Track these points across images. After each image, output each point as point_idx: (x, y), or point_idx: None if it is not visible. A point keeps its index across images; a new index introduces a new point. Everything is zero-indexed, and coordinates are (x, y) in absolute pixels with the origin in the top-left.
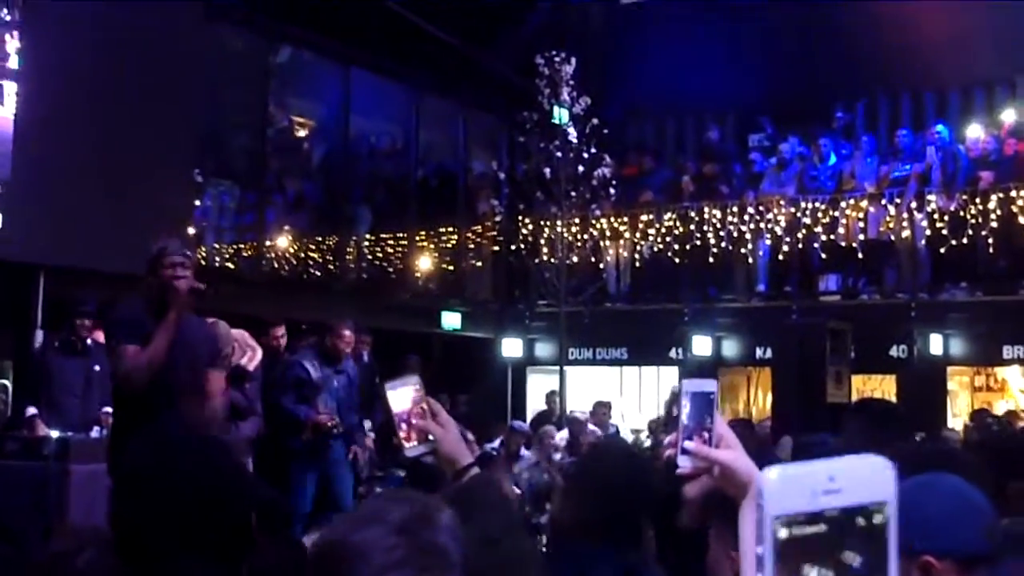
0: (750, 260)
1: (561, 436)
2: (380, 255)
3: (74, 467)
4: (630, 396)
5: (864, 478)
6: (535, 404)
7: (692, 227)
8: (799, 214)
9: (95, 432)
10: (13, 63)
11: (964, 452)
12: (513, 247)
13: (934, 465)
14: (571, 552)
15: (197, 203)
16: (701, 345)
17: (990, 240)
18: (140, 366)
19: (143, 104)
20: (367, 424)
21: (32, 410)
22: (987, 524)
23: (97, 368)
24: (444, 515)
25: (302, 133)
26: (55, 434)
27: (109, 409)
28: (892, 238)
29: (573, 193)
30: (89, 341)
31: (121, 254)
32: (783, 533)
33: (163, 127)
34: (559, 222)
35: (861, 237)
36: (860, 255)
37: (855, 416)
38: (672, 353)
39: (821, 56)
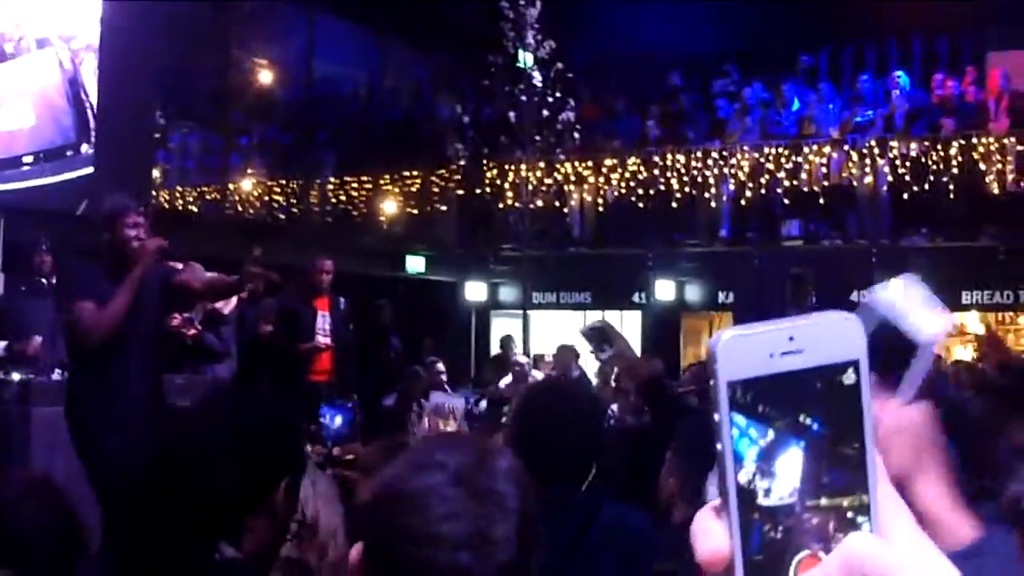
0: (713, 205)
1: (504, 382)
2: (344, 199)
3: (35, 410)
4: None
5: (829, 336)
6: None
7: (656, 172)
8: (762, 159)
9: (57, 375)
10: None
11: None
12: (478, 191)
13: None
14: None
15: (159, 146)
16: (664, 290)
17: (951, 186)
18: (100, 325)
19: (103, 44)
20: None
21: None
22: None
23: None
24: (502, 460)
25: (266, 77)
26: (16, 377)
27: None
28: (854, 184)
29: (538, 137)
30: (54, 280)
31: (83, 196)
32: (739, 399)
33: (124, 69)
34: (523, 166)
35: (824, 183)
36: (822, 201)
37: None
38: (635, 297)
39: (786, 3)
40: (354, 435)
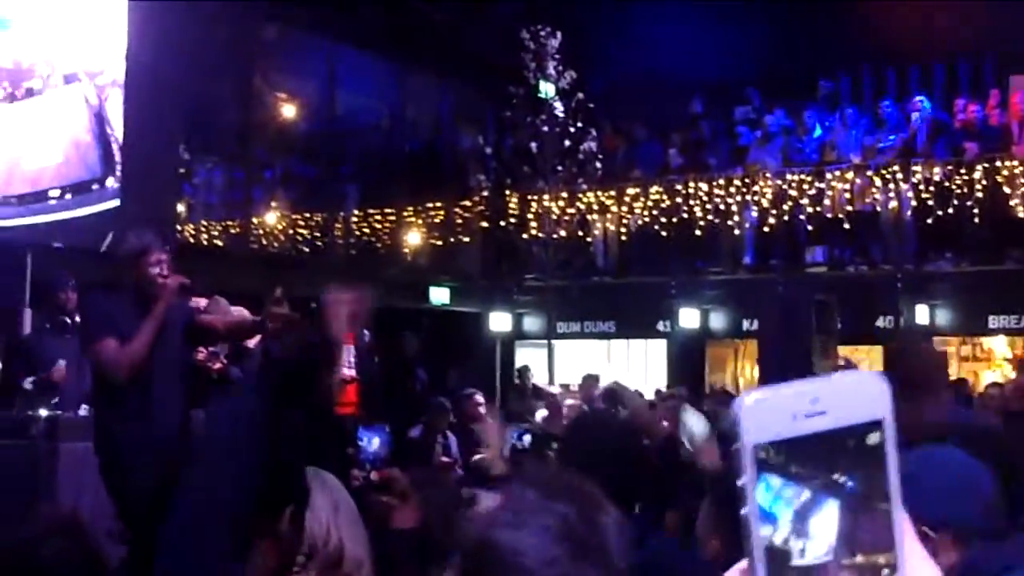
0: (736, 232)
1: (540, 414)
2: (368, 231)
3: (63, 446)
4: (618, 369)
5: (852, 397)
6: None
7: (679, 200)
8: (785, 186)
9: (84, 410)
10: None
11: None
12: (501, 222)
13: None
14: None
15: (184, 180)
16: (688, 318)
17: (975, 210)
18: (122, 362)
19: (129, 80)
20: None
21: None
22: (986, 500)
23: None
24: (608, 514)
25: (288, 110)
26: (44, 412)
27: None
28: (878, 209)
29: (559, 167)
30: (78, 317)
31: (107, 231)
32: (766, 460)
33: (149, 104)
34: (546, 196)
35: (848, 208)
36: (846, 226)
37: None
38: (660, 326)
39: (805, 29)
40: (391, 459)
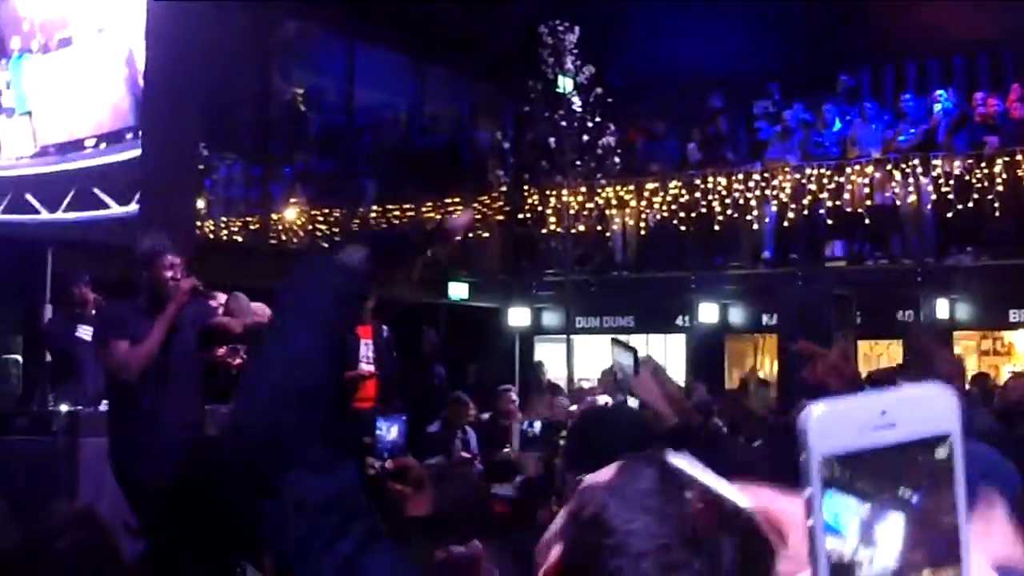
0: (756, 227)
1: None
2: (387, 226)
3: (83, 440)
4: None
5: (921, 410)
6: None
7: (698, 195)
8: (804, 180)
9: (104, 406)
10: None
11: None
12: (519, 217)
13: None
14: None
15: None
16: (707, 312)
17: (996, 204)
18: (131, 363)
19: (147, 77)
20: None
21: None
22: (1014, 490)
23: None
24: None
25: (307, 106)
26: (64, 408)
27: None
28: (898, 203)
29: (578, 162)
30: (94, 312)
31: (128, 228)
32: (831, 474)
33: (168, 101)
34: (565, 191)
35: (867, 203)
36: (866, 221)
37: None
38: (679, 320)
39: (825, 23)
40: (406, 446)
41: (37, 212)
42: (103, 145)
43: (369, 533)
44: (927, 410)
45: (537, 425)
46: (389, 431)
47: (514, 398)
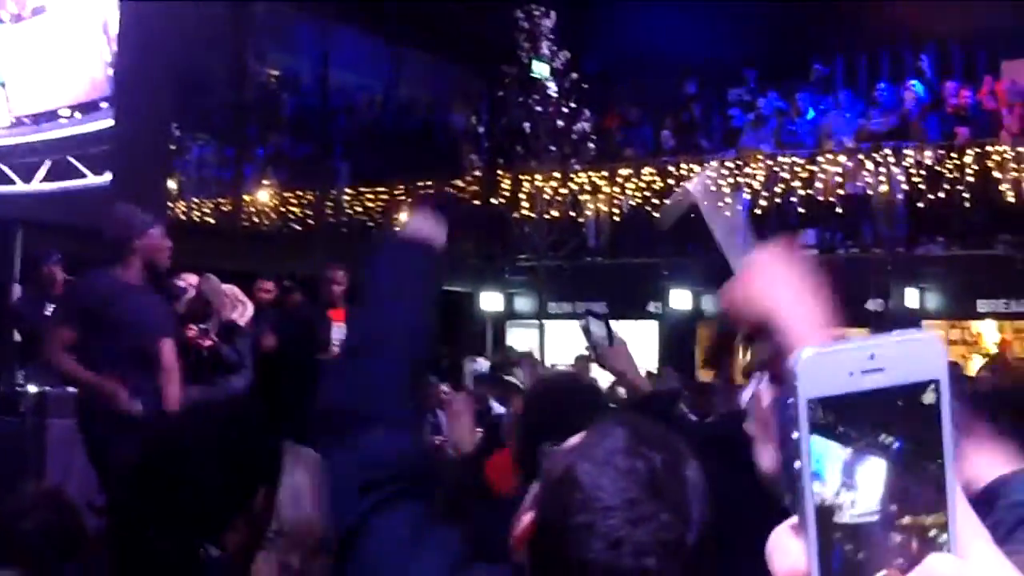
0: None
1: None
2: (360, 209)
3: (51, 421)
4: None
5: (910, 355)
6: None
7: (671, 181)
8: (777, 169)
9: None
10: None
11: None
12: (493, 201)
13: None
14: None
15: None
16: (680, 299)
17: (966, 195)
18: (53, 361)
19: (119, 55)
20: None
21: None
22: None
23: None
24: (691, 468)
25: (281, 88)
26: (32, 388)
27: None
28: (869, 192)
29: (552, 147)
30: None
31: (100, 209)
32: (818, 417)
33: (141, 80)
34: (538, 176)
35: (839, 192)
36: (838, 210)
37: None
38: (651, 307)
39: (800, 12)
40: None
41: (13, 183)
42: (78, 115)
43: (398, 495)
44: (915, 356)
45: (485, 364)
46: None
47: (445, 389)
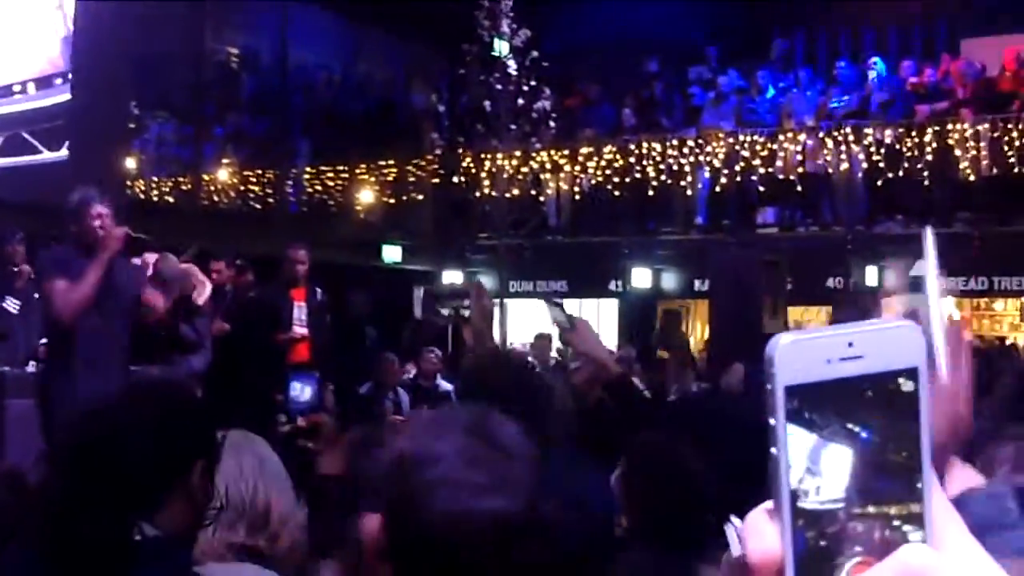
0: (689, 193)
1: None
2: (320, 188)
3: (9, 402)
4: None
5: (888, 343)
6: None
7: (632, 160)
8: (737, 147)
9: (31, 367)
10: None
11: None
12: (454, 180)
13: None
14: None
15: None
16: (640, 277)
17: (925, 173)
18: (68, 302)
19: (77, 33)
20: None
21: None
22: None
23: (36, 296)
24: (498, 415)
25: (240, 66)
26: None
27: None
28: (829, 171)
29: (513, 126)
30: (28, 269)
31: (59, 187)
32: (795, 404)
33: (99, 59)
34: (499, 155)
35: (799, 170)
36: (798, 188)
37: None
38: (612, 285)
39: None
40: (319, 406)
41: None
42: (31, 89)
43: None
44: (894, 343)
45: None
46: (303, 391)
47: (435, 360)
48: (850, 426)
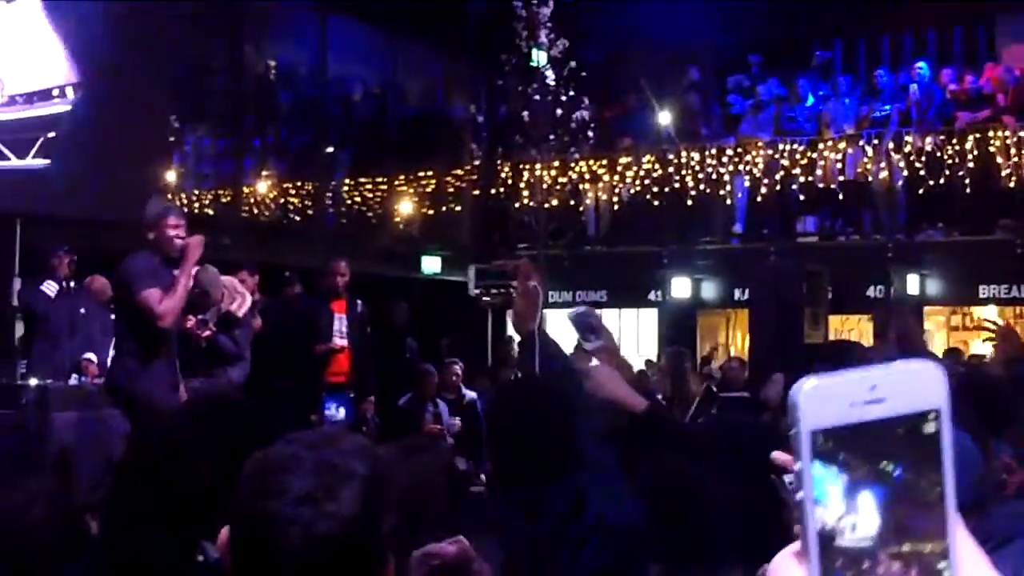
0: (728, 202)
1: None
2: (359, 200)
3: (53, 415)
4: None
5: (910, 385)
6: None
7: (671, 169)
8: (777, 156)
9: (74, 380)
10: None
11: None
12: (492, 191)
13: None
14: (513, 498)
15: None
16: (680, 287)
17: (966, 180)
18: (167, 310)
19: (117, 49)
20: None
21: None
22: (976, 473)
23: (82, 311)
24: (353, 439)
25: (279, 78)
26: (33, 382)
27: (91, 356)
28: (869, 179)
29: (552, 136)
30: (73, 283)
31: (100, 201)
32: (821, 447)
33: (139, 73)
34: (538, 165)
35: (839, 178)
36: (838, 196)
37: (829, 358)
38: (651, 295)
39: None
40: (353, 425)
41: None
42: (32, 102)
43: None
44: (916, 385)
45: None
46: (337, 411)
47: (458, 372)
48: (876, 467)
